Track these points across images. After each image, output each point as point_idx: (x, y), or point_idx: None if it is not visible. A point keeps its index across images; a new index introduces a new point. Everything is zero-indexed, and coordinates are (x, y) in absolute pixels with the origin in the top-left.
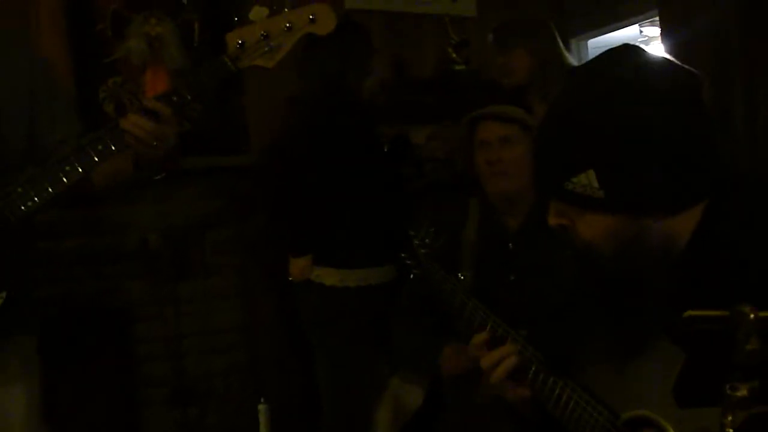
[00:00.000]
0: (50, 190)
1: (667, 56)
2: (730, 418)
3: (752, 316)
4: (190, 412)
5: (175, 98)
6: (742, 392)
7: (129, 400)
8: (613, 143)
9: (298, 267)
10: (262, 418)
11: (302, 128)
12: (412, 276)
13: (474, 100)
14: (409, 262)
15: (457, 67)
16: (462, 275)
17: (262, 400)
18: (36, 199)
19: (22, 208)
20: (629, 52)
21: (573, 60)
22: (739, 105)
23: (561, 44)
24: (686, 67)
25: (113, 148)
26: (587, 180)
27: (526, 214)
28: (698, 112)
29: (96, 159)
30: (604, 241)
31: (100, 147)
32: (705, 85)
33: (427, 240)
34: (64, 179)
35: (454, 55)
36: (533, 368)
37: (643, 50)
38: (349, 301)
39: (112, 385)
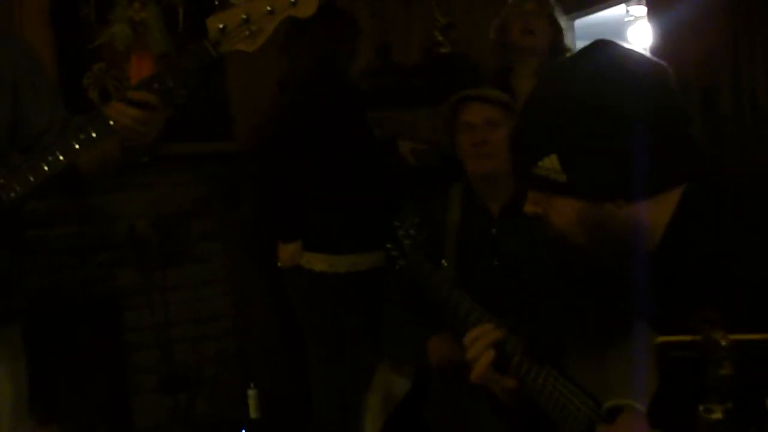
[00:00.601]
0: (32, 179)
1: (641, 50)
2: None
3: (724, 342)
4: (181, 399)
5: (156, 85)
6: (717, 415)
7: (119, 388)
8: (574, 128)
9: (288, 253)
10: (252, 404)
11: (291, 112)
12: (397, 267)
13: (460, 84)
14: (394, 253)
15: (444, 50)
16: (445, 262)
17: (251, 385)
18: (18, 189)
19: (4, 199)
20: (602, 46)
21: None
22: (726, 86)
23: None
24: (656, 59)
25: (94, 135)
26: (551, 164)
27: (507, 199)
28: (667, 101)
29: (77, 147)
30: (573, 228)
31: (82, 136)
32: (673, 77)
33: (411, 231)
34: (46, 168)
35: (440, 38)
36: (516, 358)
37: (618, 45)
38: (338, 286)
39: (102, 374)
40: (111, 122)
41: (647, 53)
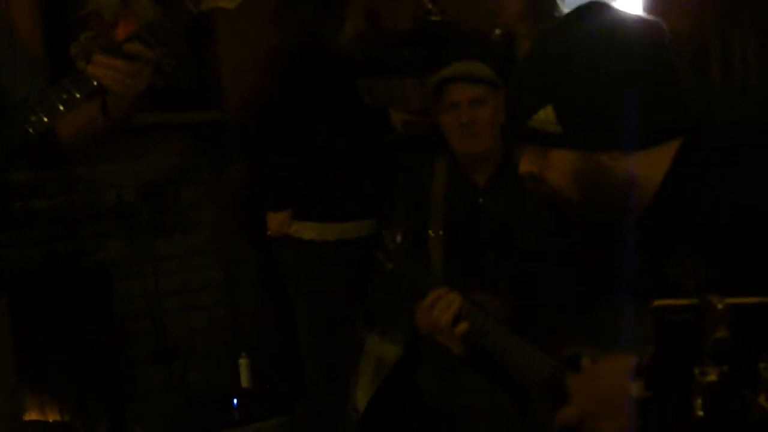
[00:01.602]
0: (15, 142)
1: (635, 13)
2: (699, 401)
3: (720, 305)
4: (173, 369)
5: (135, 42)
6: (712, 377)
7: (111, 358)
8: (569, 80)
9: (277, 222)
10: (244, 373)
11: (280, 82)
12: (385, 269)
13: (450, 53)
14: (381, 257)
15: (434, 18)
16: (433, 233)
17: (243, 354)
18: (2, 153)
19: None
20: (596, 7)
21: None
22: (716, 50)
23: None
24: (651, 17)
25: (78, 95)
26: (546, 116)
27: (494, 169)
28: (660, 56)
29: (61, 108)
30: (568, 182)
31: (65, 96)
32: (667, 34)
33: (398, 237)
34: (30, 130)
35: (430, 6)
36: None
37: (611, 6)
38: (328, 255)
39: (94, 345)
40: (95, 82)
41: (640, 14)
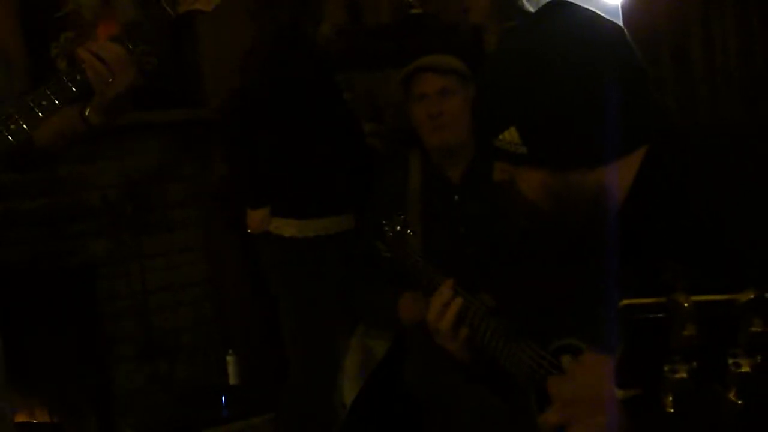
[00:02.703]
0: None
1: (596, 11)
2: (669, 398)
3: (686, 304)
4: (160, 367)
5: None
6: (682, 374)
7: (98, 357)
8: (530, 99)
9: (256, 219)
10: (231, 369)
11: (258, 79)
12: (383, 257)
13: (430, 45)
14: (380, 246)
15: (415, 11)
16: (410, 232)
17: (230, 351)
18: None
19: None
20: (557, 8)
21: (529, 5)
22: (697, 42)
23: None
24: (610, 20)
25: (56, 102)
26: (510, 137)
27: (467, 165)
28: (625, 61)
29: (41, 115)
30: (540, 196)
31: (44, 102)
32: (628, 36)
33: (397, 227)
34: (11, 138)
35: None
36: (471, 319)
37: (573, 5)
38: (308, 251)
39: (80, 344)
40: (78, 76)
41: (601, 14)
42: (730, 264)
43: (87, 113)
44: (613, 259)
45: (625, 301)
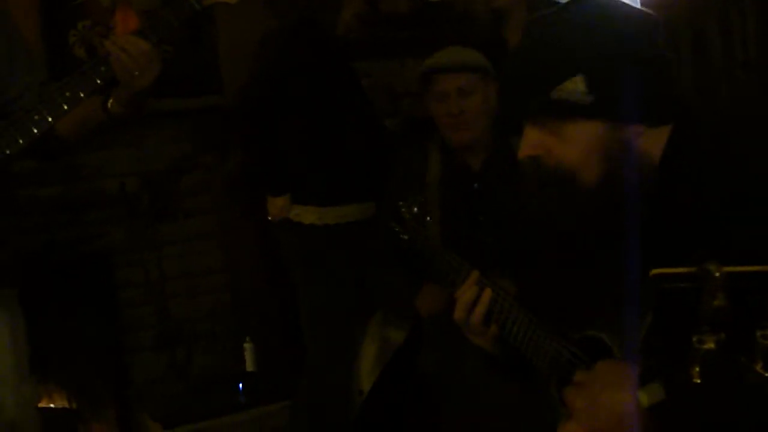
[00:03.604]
0: (20, 141)
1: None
2: (697, 369)
3: (718, 273)
4: (177, 354)
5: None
6: (709, 345)
7: (116, 345)
8: (599, 50)
9: (277, 206)
10: (248, 357)
11: (277, 66)
12: (401, 240)
13: (448, 34)
14: (397, 228)
15: (432, 0)
16: (429, 218)
17: (247, 339)
18: (7, 152)
19: None
20: None
21: None
22: (716, 31)
23: None
24: (641, 8)
25: (81, 94)
26: (574, 86)
27: (487, 153)
28: (658, 43)
29: (65, 107)
30: (590, 157)
31: (68, 93)
32: (661, 24)
33: (415, 209)
34: (35, 129)
35: None
36: (499, 311)
37: None
38: (328, 238)
39: (98, 332)
40: (103, 68)
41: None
42: (752, 247)
43: (110, 104)
44: (638, 243)
45: (655, 270)
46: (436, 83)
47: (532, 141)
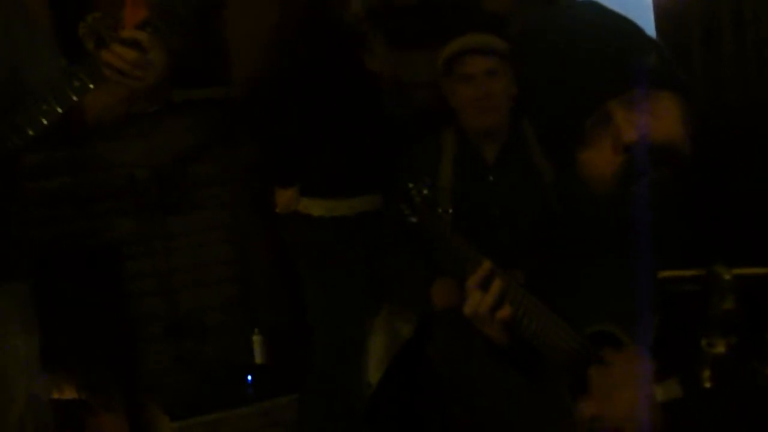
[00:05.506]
0: (30, 132)
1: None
2: (707, 372)
3: (727, 276)
4: (186, 346)
5: (149, 29)
6: (719, 348)
7: (124, 337)
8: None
9: (285, 198)
10: (257, 349)
11: (286, 57)
12: (409, 222)
13: (459, 26)
14: (407, 211)
15: None
16: (441, 210)
17: (256, 331)
18: (18, 141)
19: (4, 150)
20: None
21: None
22: (728, 25)
23: None
24: None
25: (90, 85)
26: (654, 60)
27: (502, 145)
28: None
29: (74, 97)
30: (682, 129)
31: (76, 84)
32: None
33: (424, 191)
34: (44, 120)
35: None
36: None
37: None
38: (336, 230)
39: (107, 323)
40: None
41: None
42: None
43: (124, 97)
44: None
45: (663, 273)
46: (463, 66)
47: (624, 124)
